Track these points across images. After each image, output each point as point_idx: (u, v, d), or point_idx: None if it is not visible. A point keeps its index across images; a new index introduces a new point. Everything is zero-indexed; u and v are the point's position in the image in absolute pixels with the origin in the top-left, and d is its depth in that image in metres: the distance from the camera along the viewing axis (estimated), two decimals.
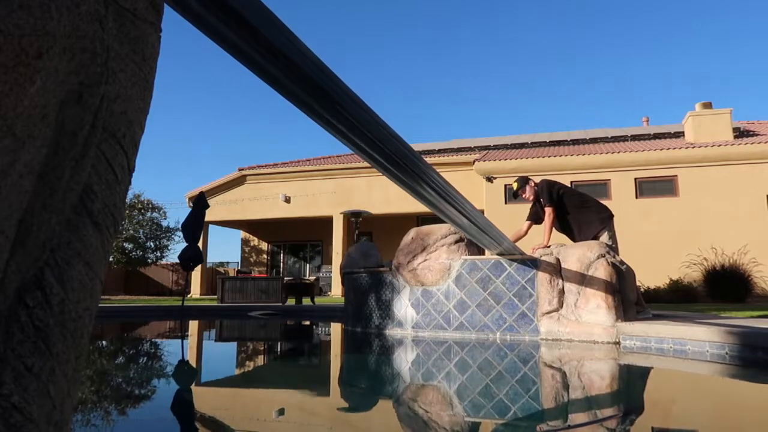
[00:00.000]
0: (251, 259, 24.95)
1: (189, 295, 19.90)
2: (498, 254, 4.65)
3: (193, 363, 3.72)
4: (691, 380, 2.96)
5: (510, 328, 4.53)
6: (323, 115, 1.69)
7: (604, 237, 5.08)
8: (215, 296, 16.05)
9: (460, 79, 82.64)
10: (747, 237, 14.69)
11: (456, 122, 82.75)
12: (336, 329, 6.33)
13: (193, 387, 2.80)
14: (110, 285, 23.68)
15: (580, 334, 4.24)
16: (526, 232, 5.49)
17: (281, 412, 2.13)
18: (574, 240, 5.18)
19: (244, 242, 25.19)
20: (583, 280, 4.38)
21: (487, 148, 21.35)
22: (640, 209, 15.91)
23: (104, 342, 5.03)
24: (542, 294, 4.48)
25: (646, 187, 16.37)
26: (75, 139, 0.63)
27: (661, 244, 15.27)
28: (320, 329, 6.75)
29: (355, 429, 1.93)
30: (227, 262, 27.89)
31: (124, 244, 23.28)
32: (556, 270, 4.50)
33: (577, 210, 5.27)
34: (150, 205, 24.87)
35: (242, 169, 21.89)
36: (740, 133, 17.74)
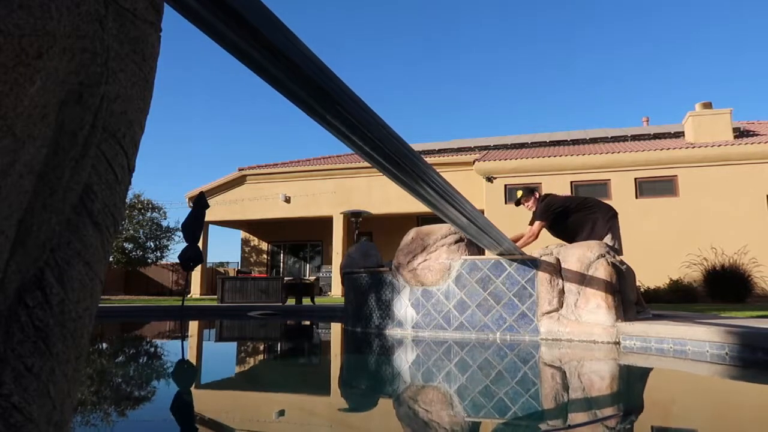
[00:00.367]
0: (251, 259, 24.95)
1: (189, 295, 19.90)
2: (498, 254, 4.65)
3: (193, 363, 3.72)
4: (691, 380, 2.96)
5: (510, 328, 4.53)
6: (324, 115, 1.69)
7: (607, 237, 5.08)
8: (215, 296, 16.05)
9: (461, 80, 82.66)
10: (747, 237, 14.70)
11: (456, 122, 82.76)
12: (336, 329, 6.33)
13: (193, 388, 2.80)
14: (110, 285, 23.68)
15: (580, 334, 4.24)
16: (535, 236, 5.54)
17: (281, 412, 2.13)
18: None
19: (244, 242, 25.19)
20: (583, 280, 4.38)
21: (487, 148, 21.36)
22: (640, 209, 15.91)
23: (104, 342, 5.03)
24: (542, 294, 4.48)
25: (646, 187, 16.38)
26: (75, 139, 0.63)
27: (661, 244, 15.27)
28: (320, 329, 6.75)
29: (356, 430, 1.93)
30: (227, 262, 27.91)
31: (124, 244, 23.28)
32: (556, 270, 4.50)
33: (580, 215, 5.28)
34: (150, 205, 24.88)
35: (242, 169, 21.89)
36: (740, 133, 17.74)
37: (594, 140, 20.56)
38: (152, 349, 4.59)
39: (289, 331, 6.71)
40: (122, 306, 10.05)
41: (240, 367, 3.65)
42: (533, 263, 4.55)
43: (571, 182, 16.69)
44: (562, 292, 4.46)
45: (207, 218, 16.15)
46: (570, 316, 4.37)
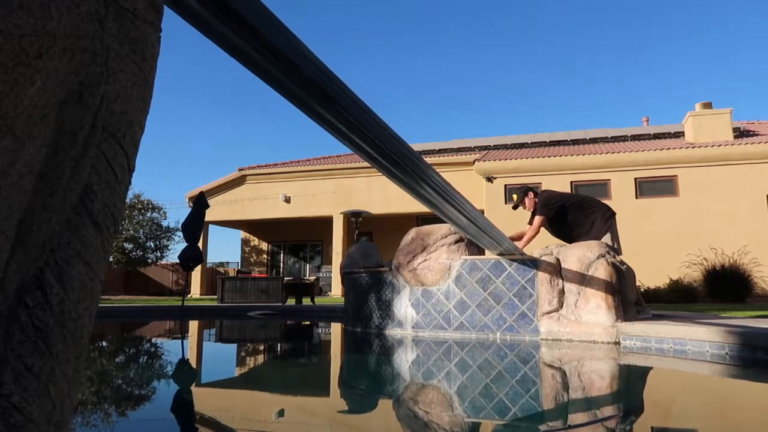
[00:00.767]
0: (251, 259, 24.95)
1: (189, 295, 19.90)
2: (498, 254, 4.65)
3: (193, 363, 3.72)
4: (691, 380, 2.96)
5: (510, 328, 4.53)
6: (323, 115, 1.69)
7: (606, 237, 5.08)
8: (215, 296, 16.05)
9: (461, 80, 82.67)
10: (747, 237, 14.70)
11: (456, 122, 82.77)
12: (336, 329, 6.33)
13: (193, 387, 2.80)
14: (110, 285, 23.68)
15: (580, 334, 4.24)
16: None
17: (281, 412, 2.13)
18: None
19: (244, 242, 25.20)
20: (583, 280, 4.38)
21: (487, 148, 21.36)
22: (640, 209, 15.91)
23: (104, 342, 5.03)
24: (542, 294, 4.48)
25: (646, 187, 16.38)
26: (75, 139, 0.63)
27: (661, 244, 15.27)
28: (320, 329, 6.75)
29: (356, 430, 1.93)
30: (227, 262, 27.90)
31: (124, 244, 23.28)
32: (556, 270, 4.50)
33: (580, 213, 5.28)
34: (150, 205, 24.88)
35: (242, 169, 21.90)
36: (740, 133, 17.74)
37: (594, 140, 20.56)
38: (152, 349, 4.59)
39: (289, 332, 6.71)
40: (122, 306, 10.05)
41: (240, 368, 3.65)
42: (533, 263, 4.55)
43: (571, 182, 16.69)
44: (562, 292, 4.46)
45: (207, 218, 16.15)
46: (570, 316, 4.37)
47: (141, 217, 24.41)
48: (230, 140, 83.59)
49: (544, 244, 4.98)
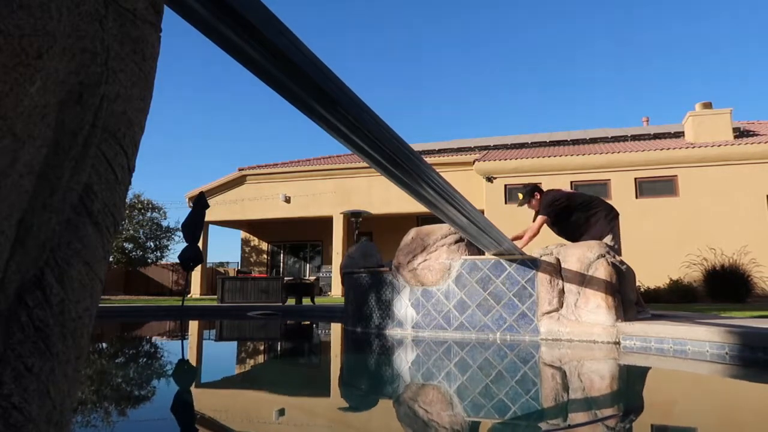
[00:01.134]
0: (251, 259, 24.95)
1: (189, 295, 19.90)
2: (498, 254, 4.65)
3: (193, 363, 3.72)
4: (691, 380, 2.96)
5: (510, 328, 4.53)
6: (324, 116, 1.69)
7: (608, 238, 5.08)
8: (215, 296, 16.04)
9: (461, 80, 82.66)
10: (747, 237, 14.70)
11: (456, 122, 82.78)
12: (336, 329, 6.33)
13: (192, 387, 2.80)
14: (110, 285, 23.68)
15: (580, 334, 4.24)
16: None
17: (281, 412, 2.13)
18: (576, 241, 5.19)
19: (244, 242, 25.20)
20: (583, 280, 4.38)
21: (487, 148, 21.36)
22: (640, 209, 15.91)
23: (104, 342, 5.03)
24: (542, 294, 4.48)
25: (646, 187, 16.38)
26: (75, 139, 0.63)
27: (661, 244, 15.27)
28: (320, 329, 6.76)
29: (356, 430, 1.93)
30: (227, 262, 27.90)
31: (124, 244, 23.28)
32: (556, 270, 4.50)
33: (584, 213, 5.26)
34: (150, 205, 24.88)
35: (242, 169, 21.90)
36: (740, 133, 17.74)
37: (594, 140, 20.56)
38: (152, 349, 4.59)
39: (289, 332, 6.71)
40: (122, 306, 10.05)
41: (240, 368, 3.65)
42: (533, 263, 4.55)
43: (571, 182, 16.68)
44: (562, 292, 4.46)
45: (207, 218, 16.15)
46: (570, 316, 4.37)
47: (141, 217, 24.42)
48: (230, 140, 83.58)
49: (545, 244, 4.98)
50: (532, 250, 4.83)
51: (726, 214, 15.21)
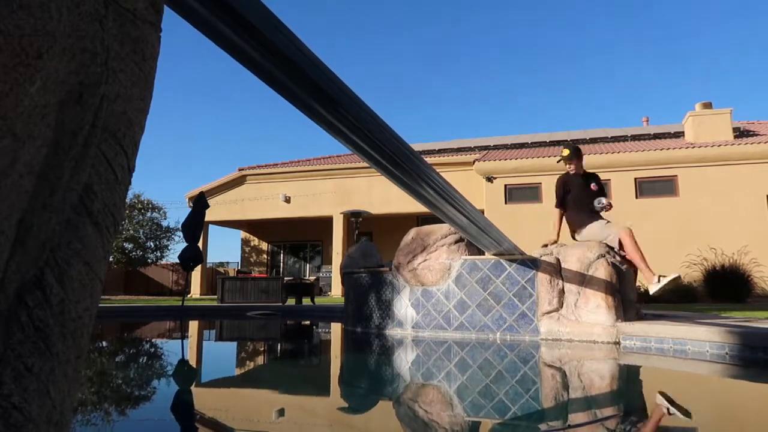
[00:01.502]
0: (251, 259, 24.95)
1: (189, 295, 19.90)
2: (498, 254, 4.65)
3: (193, 363, 3.72)
4: (691, 380, 2.96)
5: (510, 328, 4.52)
6: (323, 115, 1.69)
7: (596, 230, 4.92)
8: (215, 296, 16.04)
9: (461, 80, 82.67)
10: (747, 237, 14.70)
11: (456, 122, 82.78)
12: (336, 329, 6.33)
13: (193, 387, 2.80)
14: (110, 285, 23.68)
15: (580, 334, 4.24)
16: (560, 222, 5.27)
17: (281, 412, 2.13)
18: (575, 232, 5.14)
19: (244, 242, 25.20)
20: (583, 280, 4.38)
21: (487, 148, 21.36)
22: (640, 209, 15.91)
23: (104, 342, 5.03)
24: (542, 294, 4.48)
25: (646, 187, 16.38)
26: (75, 139, 0.63)
27: (661, 244, 15.26)
28: (320, 329, 6.75)
29: (356, 430, 1.93)
30: (227, 262, 27.90)
31: (124, 244, 23.28)
32: (556, 270, 4.50)
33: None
34: (150, 205, 24.89)
35: (242, 169, 21.90)
36: (740, 133, 17.74)
37: (594, 140, 20.56)
38: (152, 349, 4.59)
39: (289, 331, 6.71)
40: (122, 306, 10.05)
41: (240, 368, 3.65)
42: (533, 263, 4.55)
43: None
44: (562, 292, 4.46)
45: (207, 218, 16.15)
46: (570, 316, 4.37)
47: (141, 217, 24.42)
48: (230, 140, 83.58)
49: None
50: (532, 250, 4.83)
51: (726, 214, 15.21)
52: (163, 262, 25.71)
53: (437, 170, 2.62)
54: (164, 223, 25.42)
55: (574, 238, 5.15)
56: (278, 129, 78.41)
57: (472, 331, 4.64)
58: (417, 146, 22.86)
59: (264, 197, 21.01)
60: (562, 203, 5.24)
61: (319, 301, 13.19)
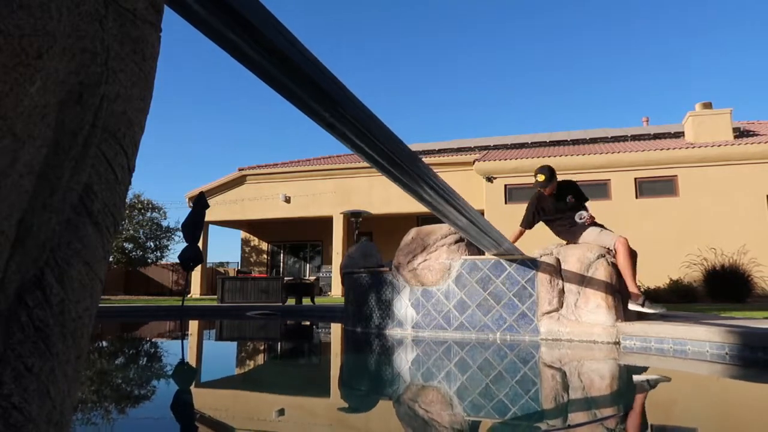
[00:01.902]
0: (251, 259, 24.95)
1: (189, 295, 19.90)
2: (497, 254, 4.65)
3: (192, 363, 3.72)
4: (691, 380, 2.96)
5: (510, 328, 4.53)
6: (323, 116, 1.69)
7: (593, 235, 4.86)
8: (215, 296, 16.04)
9: (461, 80, 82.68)
10: (747, 237, 14.70)
11: (456, 122, 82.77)
12: (336, 329, 6.33)
13: (192, 387, 2.80)
14: (110, 285, 23.68)
15: (580, 334, 4.24)
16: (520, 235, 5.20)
17: (281, 412, 2.13)
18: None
19: (244, 242, 25.20)
20: (583, 280, 4.38)
21: (487, 148, 21.36)
22: (640, 209, 15.91)
23: (104, 342, 5.03)
24: (542, 294, 4.48)
25: (646, 187, 16.38)
26: (75, 139, 0.63)
27: (661, 244, 15.27)
28: (320, 329, 6.76)
29: (356, 430, 1.93)
30: (227, 262, 27.91)
31: (124, 244, 23.29)
32: (555, 270, 4.50)
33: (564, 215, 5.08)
34: (150, 205, 24.89)
35: (242, 169, 21.90)
36: (740, 133, 17.74)
37: (594, 140, 20.57)
38: (152, 349, 4.59)
39: (289, 332, 6.71)
40: (122, 306, 10.05)
41: (240, 367, 3.65)
42: (533, 263, 4.55)
43: None
44: (562, 292, 4.46)
45: (207, 218, 16.15)
46: (570, 316, 4.37)
47: (141, 217, 24.42)
48: (230, 140, 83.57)
49: (543, 243, 4.94)
50: (532, 250, 4.83)
51: (726, 214, 15.22)
52: (163, 262, 25.72)
53: (437, 170, 2.63)
54: (164, 223, 25.45)
55: None
56: (278, 129, 78.41)
57: (472, 331, 4.64)
58: (416, 146, 22.86)
59: (264, 197, 21.01)
60: (529, 225, 5.18)
61: (319, 301, 13.19)
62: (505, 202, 17.08)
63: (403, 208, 17.98)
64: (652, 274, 14.07)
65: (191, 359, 3.90)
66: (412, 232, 5.34)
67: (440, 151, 21.89)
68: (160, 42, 0.77)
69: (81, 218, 0.66)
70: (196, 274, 20.99)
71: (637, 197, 16.30)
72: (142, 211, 24.53)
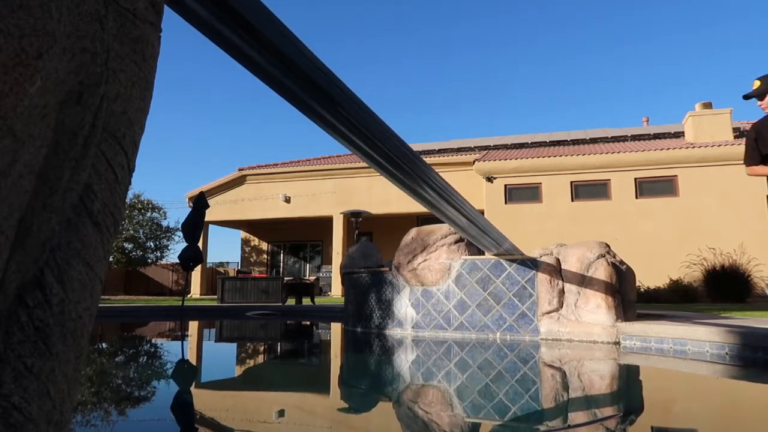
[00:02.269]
0: (251, 259, 24.95)
1: (189, 295, 19.89)
2: (497, 254, 4.65)
3: (193, 363, 3.72)
4: (691, 380, 2.96)
5: (510, 328, 4.52)
6: (323, 116, 1.69)
7: None
8: (215, 296, 16.04)
9: (461, 80, 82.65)
10: (747, 237, 14.70)
11: (456, 122, 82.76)
12: (336, 329, 6.33)
13: (192, 387, 2.80)
14: (110, 285, 23.68)
15: (580, 334, 4.24)
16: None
17: (281, 412, 2.13)
18: None
19: (244, 242, 25.19)
20: (583, 280, 4.38)
21: (487, 148, 21.36)
22: (640, 209, 15.91)
23: (104, 342, 5.03)
24: (542, 294, 4.48)
25: (646, 187, 16.37)
26: (75, 139, 0.63)
27: (661, 244, 15.26)
28: (320, 329, 6.75)
29: (356, 430, 1.93)
30: (227, 262, 27.89)
31: (124, 244, 23.28)
32: (555, 270, 4.50)
33: None
34: (150, 205, 24.88)
35: (242, 169, 21.90)
36: (740, 133, 17.74)
37: (594, 140, 20.56)
38: (152, 349, 4.59)
39: (289, 331, 6.70)
40: (122, 306, 10.05)
41: (240, 367, 3.65)
42: (533, 263, 4.55)
43: (571, 182, 16.67)
44: (562, 292, 4.46)
45: (207, 218, 16.16)
46: (570, 316, 4.37)
47: (141, 217, 24.41)
48: (230, 140, 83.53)
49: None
50: (531, 250, 4.83)
51: (726, 214, 15.21)
52: (163, 262, 25.70)
53: (437, 170, 2.62)
54: (164, 223, 25.41)
55: None
56: (278, 129, 78.37)
57: (472, 331, 4.64)
58: (417, 146, 22.86)
59: (264, 197, 21.01)
60: (755, 160, 3.72)
61: (319, 301, 13.19)
62: (505, 202, 17.07)
63: (403, 208, 17.97)
64: (652, 274, 14.07)
65: (191, 359, 3.90)
66: (412, 232, 5.34)
67: (440, 151, 21.89)
68: (160, 42, 0.77)
69: (81, 218, 0.66)
70: (196, 274, 20.98)
71: (637, 197, 16.29)
72: (142, 211, 24.52)
